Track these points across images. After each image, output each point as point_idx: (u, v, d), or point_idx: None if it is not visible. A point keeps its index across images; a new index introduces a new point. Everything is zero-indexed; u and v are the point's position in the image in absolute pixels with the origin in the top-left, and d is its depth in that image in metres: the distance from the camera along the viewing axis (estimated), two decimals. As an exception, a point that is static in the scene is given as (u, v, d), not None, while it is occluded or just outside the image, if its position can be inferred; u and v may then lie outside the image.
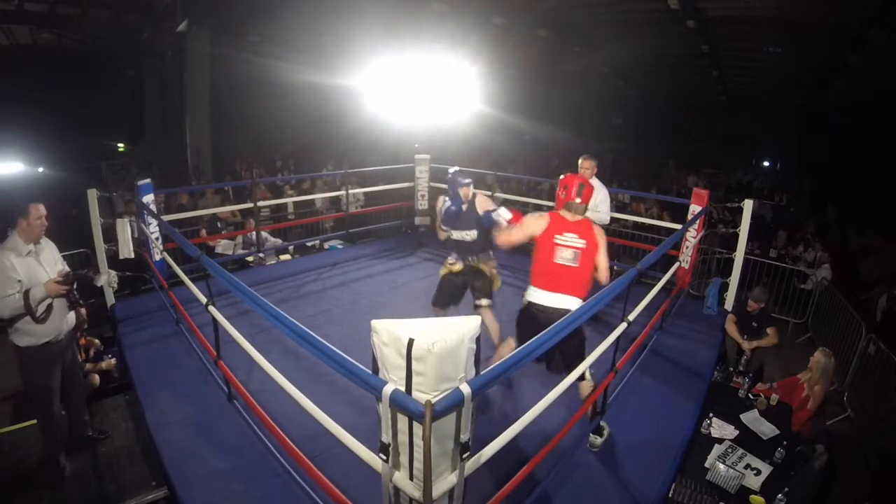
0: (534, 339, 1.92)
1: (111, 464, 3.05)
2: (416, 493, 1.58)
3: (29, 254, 2.70)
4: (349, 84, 6.27)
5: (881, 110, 10.06)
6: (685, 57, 10.77)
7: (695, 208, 4.67)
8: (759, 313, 4.43)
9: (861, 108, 10.80)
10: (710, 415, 3.23)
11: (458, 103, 5.78)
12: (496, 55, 9.69)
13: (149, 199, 4.49)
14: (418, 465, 1.56)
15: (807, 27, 7.56)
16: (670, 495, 2.63)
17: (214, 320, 2.83)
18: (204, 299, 2.89)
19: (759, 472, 2.85)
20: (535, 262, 2.82)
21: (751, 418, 3.36)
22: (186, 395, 3.18)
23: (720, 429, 3.19)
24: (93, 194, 4.17)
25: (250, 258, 6.27)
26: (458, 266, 3.53)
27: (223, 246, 6.62)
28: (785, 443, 3.06)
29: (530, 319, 2.80)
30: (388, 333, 1.67)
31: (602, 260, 2.77)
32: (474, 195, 3.56)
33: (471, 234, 3.46)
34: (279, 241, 6.94)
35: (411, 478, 1.62)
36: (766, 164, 15.17)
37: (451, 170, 3.68)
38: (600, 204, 4.23)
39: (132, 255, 4.43)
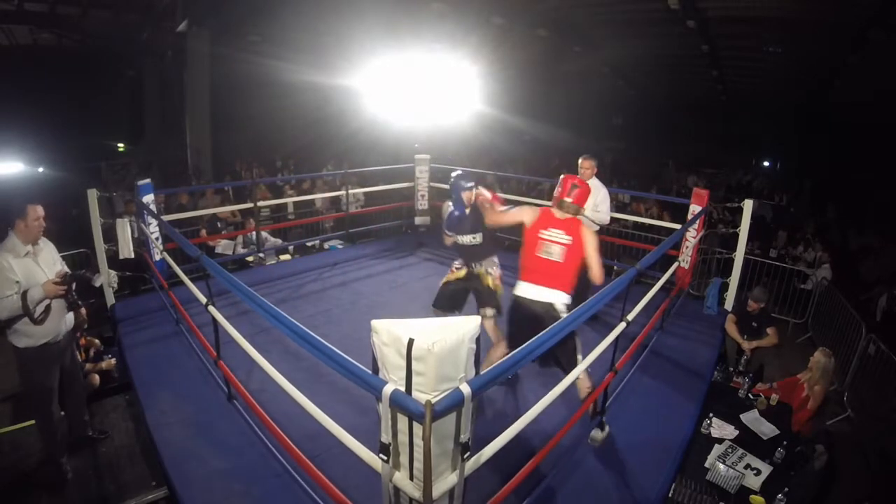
0: (533, 339, 1.92)
1: (111, 464, 3.05)
2: (416, 493, 1.58)
3: (27, 255, 2.69)
4: (349, 84, 6.27)
5: (881, 110, 10.06)
6: (685, 57, 10.77)
7: (695, 208, 4.67)
8: (759, 313, 4.43)
9: (861, 108, 10.80)
10: (710, 415, 3.23)
11: (458, 103, 5.78)
12: (496, 55, 9.69)
13: (149, 199, 4.49)
14: (418, 465, 1.56)
15: (807, 27, 7.56)
16: (670, 495, 2.63)
17: (214, 320, 2.83)
18: (204, 299, 2.89)
19: (759, 472, 2.85)
20: (522, 257, 2.88)
21: (751, 418, 3.36)
22: (186, 395, 3.18)
23: (720, 429, 3.19)
24: (93, 194, 4.17)
25: (250, 258, 6.27)
26: (462, 272, 3.52)
27: (223, 246, 6.62)
28: (785, 443, 3.06)
29: (515, 312, 2.88)
30: (388, 333, 1.67)
31: (593, 260, 2.76)
32: (477, 196, 3.55)
33: (476, 238, 3.44)
34: (279, 241, 6.94)
35: (411, 478, 1.62)
36: (766, 164, 15.17)
37: (454, 174, 3.67)
38: (600, 204, 4.23)
39: (132, 255, 4.43)
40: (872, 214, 9.15)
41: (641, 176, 11.94)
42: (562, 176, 2.95)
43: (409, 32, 7.17)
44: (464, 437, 1.62)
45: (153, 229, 4.42)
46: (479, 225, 3.41)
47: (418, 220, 6.74)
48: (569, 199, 2.82)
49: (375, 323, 1.74)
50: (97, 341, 4.08)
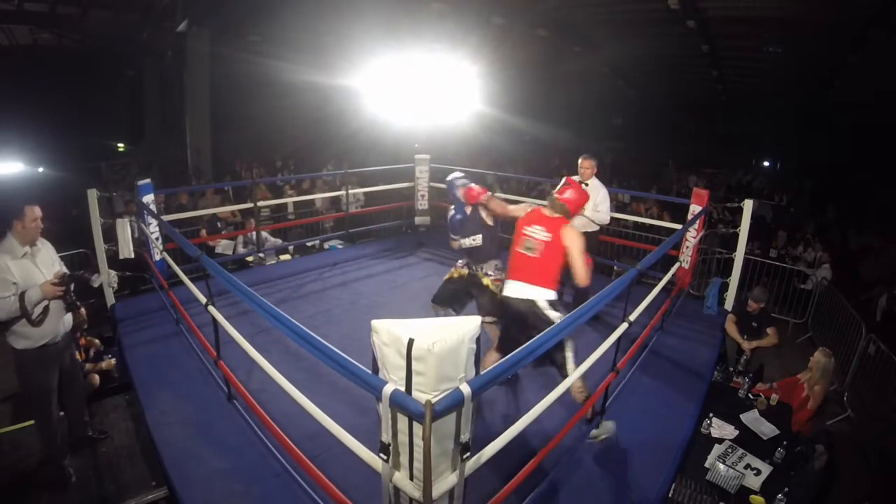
0: (532, 340, 1.93)
1: (111, 464, 3.05)
2: (416, 493, 1.58)
3: (24, 255, 2.67)
4: (349, 84, 6.26)
5: (881, 110, 10.06)
6: (685, 57, 10.77)
7: (695, 208, 4.67)
8: (759, 313, 4.43)
9: (861, 108, 10.80)
10: (710, 415, 3.23)
11: (458, 103, 5.78)
12: (496, 55, 9.69)
13: (149, 199, 4.49)
14: (418, 465, 1.56)
15: (807, 27, 7.56)
16: (670, 495, 2.63)
17: (214, 320, 2.83)
18: (204, 299, 2.89)
19: (759, 472, 2.85)
20: (509, 255, 2.94)
21: (751, 418, 3.36)
22: (186, 395, 3.18)
23: (720, 429, 3.19)
24: (93, 194, 4.17)
25: (250, 258, 6.27)
26: (465, 271, 3.54)
27: (223, 246, 6.63)
28: (785, 443, 3.05)
29: (504, 312, 2.95)
30: (388, 333, 1.67)
31: (576, 262, 2.74)
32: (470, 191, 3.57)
33: (476, 240, 3.46)
34: (279, 241, 6.94)
35: (411, 478, 1.62)
36: (766, 164, 15.17)
37: (448, 178, 3.71)
38: (600, 204, 4.23)
39: (132, 255, 4.43)
40: (872, 214, 9.15)
41: (641, 176, 11.94)
42: (565, 178, 2.97)
43: (409, 32, 7.17)
44: (464, 437, 1.62)
45: (153, 229, 4.42)
46: (477, 227, 3.44)
47: (418, 220, 6.74)
48: (557, 197, 2.85)
49: (375, 323, 1.75)
50: (97, 341, 4.08)
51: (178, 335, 3.91)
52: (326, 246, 7.09)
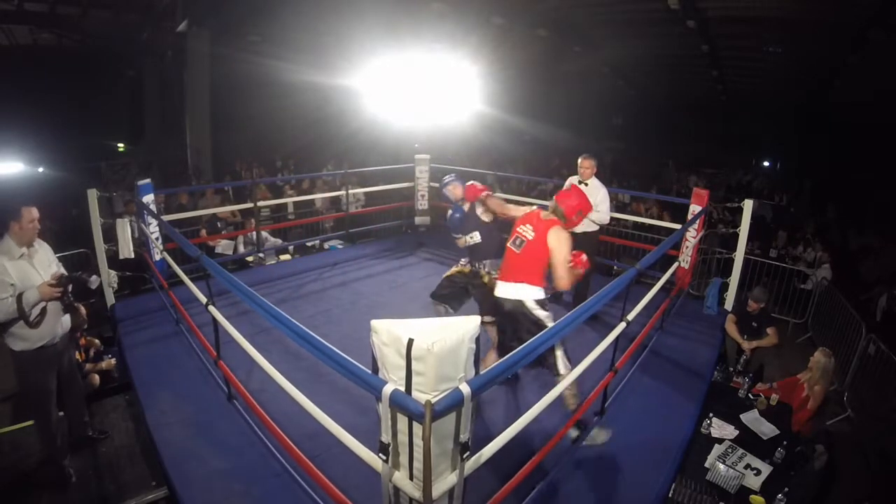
0: (532, 340, 1.93)
1: (111, 464, 3.05)
2: (416, 493, 1.58)
3: (22, 257, 2.66)
4: (349, 84, 6.26)
5: (881, 110, 10.06)
6: (685, 57, 10.77)
7: (695, 208, 4.67)
8: (759, 313, 4.43)
9: (861, 108, 10.80)
10: (710, 415, 3.23)
11: (458, 103, 5.78)
12: (496, 55, 9.69)
13: (149, 199, 4.49)
14: (418, 465, 1.56)
15: (807, 27, 7.56)
16: (670, 495, 2.63)
17: (214, 320, 2.83)
18: (204, 299, 2.89)
19: (759, 472, 2.85)
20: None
21: (751, 418, 3.36)
22: (186, 395, 3.18)
23: (720, 429, 3.19)
24: (93, 194, 4.17)
25: (250, 258, 6.27)
26: (467, 269, 3.56)
27: (223, 246, 6.63)
28: (785, 443, 3.05)
29: (497, 312, 2.99)
30: (388, 333, 1.67)
31: (558, 264, 2.71)
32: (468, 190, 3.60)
33: (474, 237, 3.49)
34: (279, 241, 6.94)
35: (411, 478, 1.62)
36: (766, 164, 15.17)
37: (443, 179, 3.76)
38: (600, 203, 4.23)
39: (132, 255, 4.43)
40: (872, 214, 9.15)
41: (641, 176, 11.94)
42: (572, 184, 2.99)
43: (409, 32, 7.17)
44: (463, 437, 1.62)
45: (153, 229, 4.42)
46: (474, 224, 3.47)
47: (418, 220, 6.74)
48: (556, 199, 2.86)
49: (375, 323, 1.75)
50: (97, 341, 4.07)
51: (178, 335, 3.91)
52: (326, 246, 7.10)
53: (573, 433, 2.74)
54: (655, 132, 14.96)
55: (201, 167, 9.87)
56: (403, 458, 1.62)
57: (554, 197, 2.94)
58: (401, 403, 1.50)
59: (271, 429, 2.53)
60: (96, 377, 3.70)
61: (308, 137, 12.34)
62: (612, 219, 4.84)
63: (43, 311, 2.69)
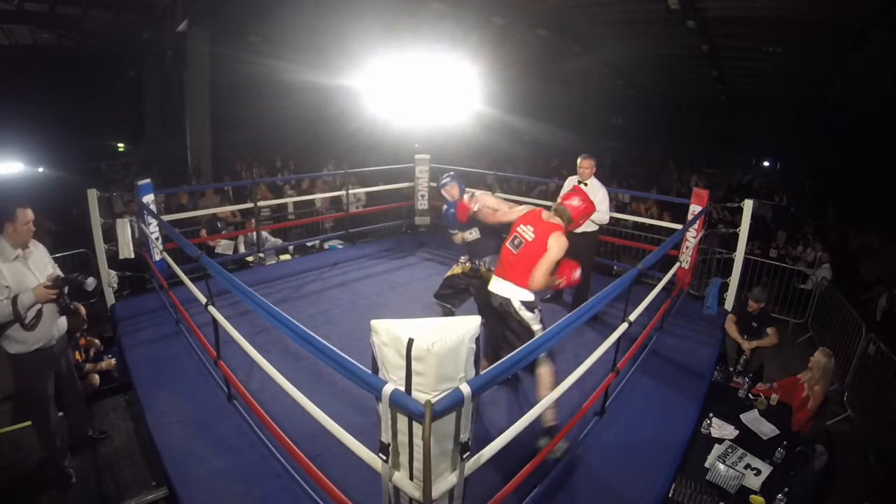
0: (532, 340, 1.93)
1: (111, 464, 3.05)
2: (416, 493, 1.58)
3: (16, 258, 2.63)
4: (349, 84, 6.27)
5: (881, 110, 10.07)
6: (685, 57, 10.78)
7: (695, 208, 4.67)
8: (759, 313, 4.43)
9: (861, 108, 10.80)
10: (710, 415, 3.23)
11: (458, 103, 5.78)
12: (496, 55, 9.69)
13: (149, 199, 4.49)
14: (418, 465, 1.56)
15: (807, 27, 7.56)
16: (670, 495, 2.62)
17: (214, 320, 2.83)
18: (204, 299, 2.89)
19: (759, 472, 2.85)
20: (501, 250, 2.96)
21: (751, 418, 3.36)
22: (186, 395, 3.18)
23: (720, 429, 3.19)
24: (93, 194, 4.17)
25: (250, 258, 6.27)
26: (468, 267, 3.56)
27: (223, 246, 6.63)
28: (785, 443, 3.05)
29: (487, 304, 2.95)
30: (388, 333, 1.67)
31: (542, 265, 2.67)
32: (472, 195, 3.60)
33: (473, 233, 3.49)
34: (279, 241, 6.94)
35: (411, 478, 1.62)
36: (766, 164, 15.18)
37: (441, 178, 3.79)
38: (599, 203, 4.22)
39: (132, 255, 4.43)
40: (872, 214, 9.15)
41: (641, 176, 11.94)
42: (574, 185, 2.98)
43: (409, 32, 7.18)
44: (464, 437, 1.62)
45: (153, 229, 4.42)
46: (474, 220, 3.47)
47: (418, 220, 6.74)
48: (561, 202, 2.86)
49: (375, 323, 1.74)
50: (97, 341, 4.07)
51: (178, 335, 3.91)
52: (326, 246, 7.09)
53: (543, 441, 2.63)
54: (655, 132, 14.98)
55: (201, 167, 9.88)
56: (403, 458, 1.61)
57: (559, 200, 2.91)
58: (401, 403, 1.50)
59: (271, 429, 2.53)
60: (96, 377, 3.69)
61: (308, 137, 12.35)
62: (612, 219, 4.84)
63: (38, 314, 2.65)
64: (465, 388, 1.52)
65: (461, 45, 6.76)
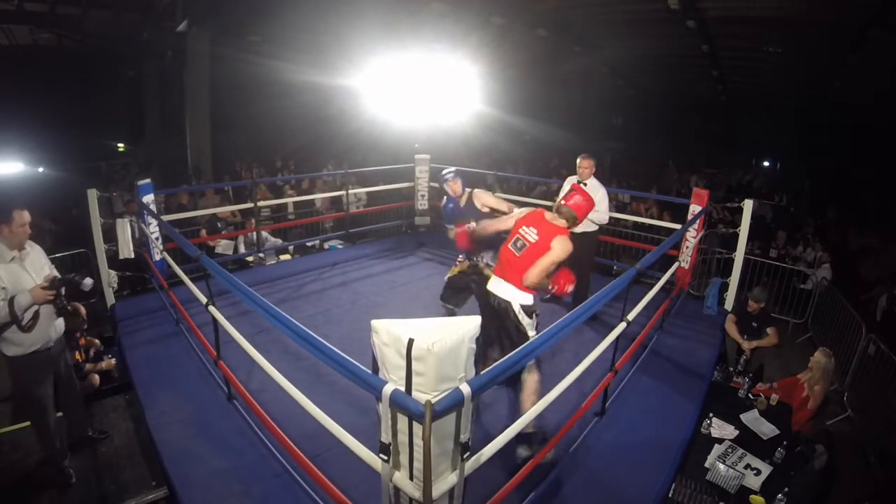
0: (531, 340, 1.93)
1: (111, 464, 3.05)
2: (416, 493, 1.58)
3: (13, 260, 2.61)
4: (349, 84, 6.27)
5: (881, 110, 10.07)
6: (685, 57, 10.78)
7: (695, 208, 4.67)
8: (759, 313, 4.43)
9: (861, 108, 10.80)
10: (710, 415, 3.23)
11: (458, 103, 5.78)
12: (496, 55, 9.68)
13: (149, 199, 4.49)
14: (418, 465, 1.56)
15: (807, 27, 7.56)
16: (670, 495, 2.62)
17: (214, 320, 2.83)
18: (204, 299, 2.89)
19: (759, 472, 2.85)
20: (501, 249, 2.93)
21: (751, 418, 3.36)
22: (186, 394, 3.18)
23: (720, 429, 3.19)
24: (93, 194, 4.17)
25: (250, 258, 6.28)
26: (465, 265, 3.55)
27: (223, 246, 6.63)
28: (785, 443, 3.05)
29: (485, 304, 2.92)
30: (388, 333, 1.67)
31: (540, 264, 2.64)
32: (471, 192, 3.60)
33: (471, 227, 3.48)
34: (279, 241, 6.94)
35: (411, 478, 1.62)
36: (766, 164, 15.19)
37: (443, 172, 3.78)
38: (599, 203, 4.22)
39: (132, 255, 4.43)
40: (872, 214, 9.15)
41: (641, 176, 11.94)
42: (573, 184, 2.96)
43: (409, 32, 7.18)
44: (464, 437, 1.62)
45: (153, 229, 4.42)
46: (473, 216, 3.46)
47: (418, 220, 6.74)
48: (564, 203, 2.83)
49: (375, 323, 1.75)
50: (97, 341, 4.07)
51: (178, 335, 3.91)
52: (326, 246, 7.10)
53: (524, 452, 2.59)
54: (655, 132, 14.99)
55: (201, 167, 9.87)
56: (403, 458, 1.62)
57: (560, 201, 2.89)
58: (401, 403, 1.50)
59: (271, 429, 2.53)
60: (96, 377, 3.70)
61: (308, 137, 12.35)
62: (612, 219, 4.84)
63: (35, 315, 2.63)
64: (465, 389, 1.52)
65: (461, 45, 6.76)
